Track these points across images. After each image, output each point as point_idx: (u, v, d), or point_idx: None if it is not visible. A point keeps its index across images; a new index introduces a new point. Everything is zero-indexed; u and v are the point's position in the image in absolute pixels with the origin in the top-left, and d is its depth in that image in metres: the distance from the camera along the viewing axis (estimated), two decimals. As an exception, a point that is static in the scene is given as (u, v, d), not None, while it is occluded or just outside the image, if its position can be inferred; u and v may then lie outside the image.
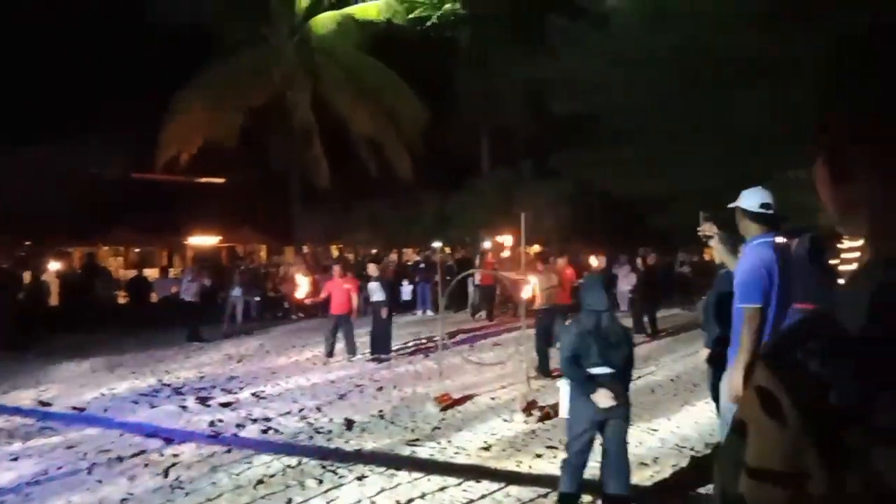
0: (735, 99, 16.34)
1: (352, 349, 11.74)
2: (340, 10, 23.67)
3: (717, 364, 6.50)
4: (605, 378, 4.42)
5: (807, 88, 14.79)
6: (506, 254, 19.27)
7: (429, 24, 25.68)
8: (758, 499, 0.68)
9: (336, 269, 12.77)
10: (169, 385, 9.93)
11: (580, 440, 4.53)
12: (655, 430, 6.92)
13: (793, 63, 15.17)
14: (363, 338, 11.98)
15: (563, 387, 4.87)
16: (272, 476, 5.80)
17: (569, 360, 4.58)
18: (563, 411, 4.84)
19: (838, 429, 0.63)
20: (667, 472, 5.68)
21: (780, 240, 4.21)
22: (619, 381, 4.49)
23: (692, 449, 6.27)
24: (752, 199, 4.11)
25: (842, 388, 0.63)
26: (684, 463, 5.89)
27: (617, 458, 4.54)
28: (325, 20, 23.56)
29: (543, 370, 9.60)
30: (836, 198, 0.78)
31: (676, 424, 7.14)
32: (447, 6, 26.03)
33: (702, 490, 5.25)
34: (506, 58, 23.78)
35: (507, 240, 19.63)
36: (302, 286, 15.79)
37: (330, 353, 11.67)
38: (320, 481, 5.64)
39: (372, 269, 12.51)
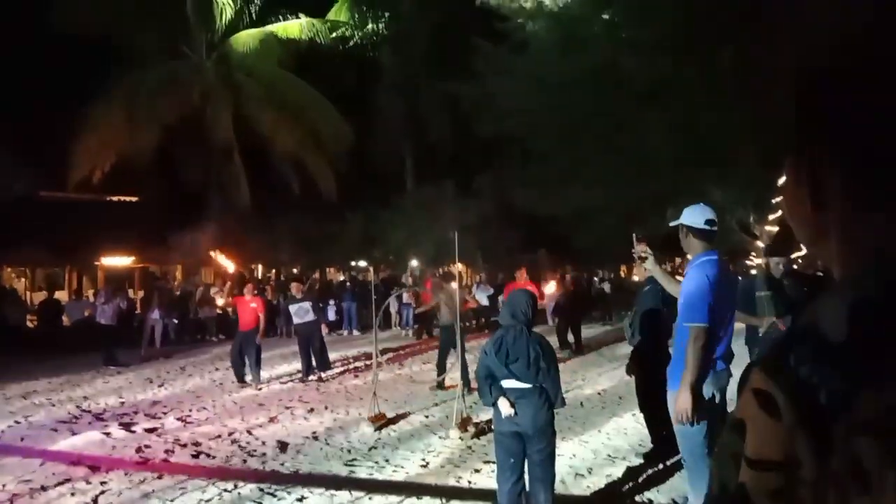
0: (644, 121, 17.08)
1: (257, 374, 11.23)
2: (262, 28, 23.44)
3: (643, 377, 6.78)
4: (512, 392, 4.50)
5: (711, 111, 15.63)
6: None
7: (351, 43, 25.77)
8: (758, 485, 0.78)
9: (248, 287, 12.24)
10: (89, 411, 9.52)
11: (502, 450, 4.60)
12: (587, 442, 7.12)
13: (698, 86, 16.00)
14: (291, 361, 11.78)
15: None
16: (208, 501, 5.66)
17: (478, 373, 4.74)
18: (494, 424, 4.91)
19: (826, 423, 0.74)
20: (602, 482, 5.86)
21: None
22: (532, 395, 4.50)
23: (624, 458, 6.48)
24: (696, 215, 4.07)
25: (828, 389, 0.74)
26: (618, 472, 6.08)
27: (540, 471, 4.56)
28: (245, 38, 23.26)
29: (439, 384, 10.23)
30: (812, 223, 0.87)
31: (607, 436, 7.36)
32: (369, 26, 26.19)
33: (637, 497, 5.45)
34: (428, 78, 24.07)
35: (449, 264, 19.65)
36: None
37: (241, 378, 11.17)
38: (259, 504, 5.56)
39: (295, 288, 12.32)
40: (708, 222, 4.04)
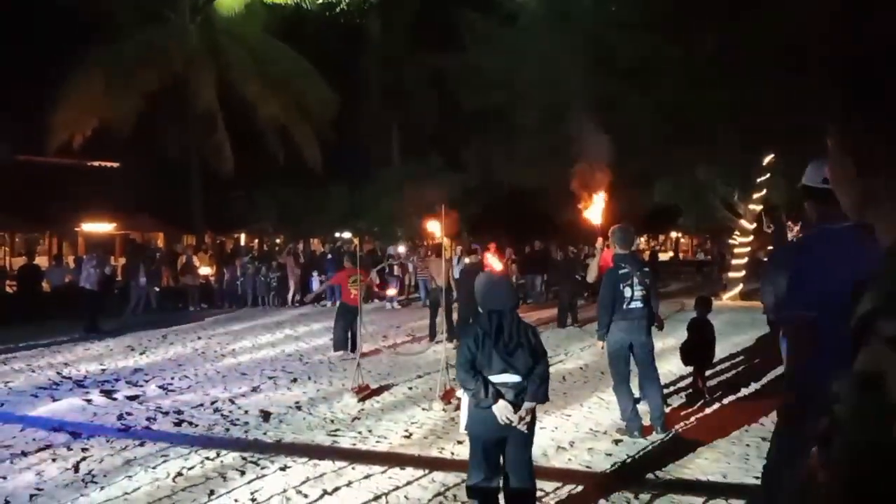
0: (630, 99, 17.07)
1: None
2: (247, -9, 23.01)
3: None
4: (510, 387, 3.82)
5: (695, 90, 15.62)
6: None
7: (338, 10, 25.39)
8: None
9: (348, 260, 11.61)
10: (70, 378, 9.46)
11: (480, 460, 3.97)
12: (569, 416, 7.18)
13: (684, 65, 15.98)
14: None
15: (464, 397, 4.12)
16: (191, 469, 5.66)
17: (463, 366, 3.91)
18: (462, 425, 4.17)
19: None
20: (584, 456, 5.91)
21: None
22: (526, 390, 3.88)
23: (605, 433, 6.54)
24: (815, 171, 3.05)
25: None
26: (599, 446, 6.14)
27: (518, 480, 3.97)
28: (230, 1, 22.84)
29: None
30: (858, 189, 0.87)
31: (589, 410, 7.42)
32: (357, -8, 25.80)
33: (619, 470, 5.51)
34: (416, 48, 23.81)
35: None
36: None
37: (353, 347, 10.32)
38: (242, 472, 5.55)
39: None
40: (826, 180, 3.08)
